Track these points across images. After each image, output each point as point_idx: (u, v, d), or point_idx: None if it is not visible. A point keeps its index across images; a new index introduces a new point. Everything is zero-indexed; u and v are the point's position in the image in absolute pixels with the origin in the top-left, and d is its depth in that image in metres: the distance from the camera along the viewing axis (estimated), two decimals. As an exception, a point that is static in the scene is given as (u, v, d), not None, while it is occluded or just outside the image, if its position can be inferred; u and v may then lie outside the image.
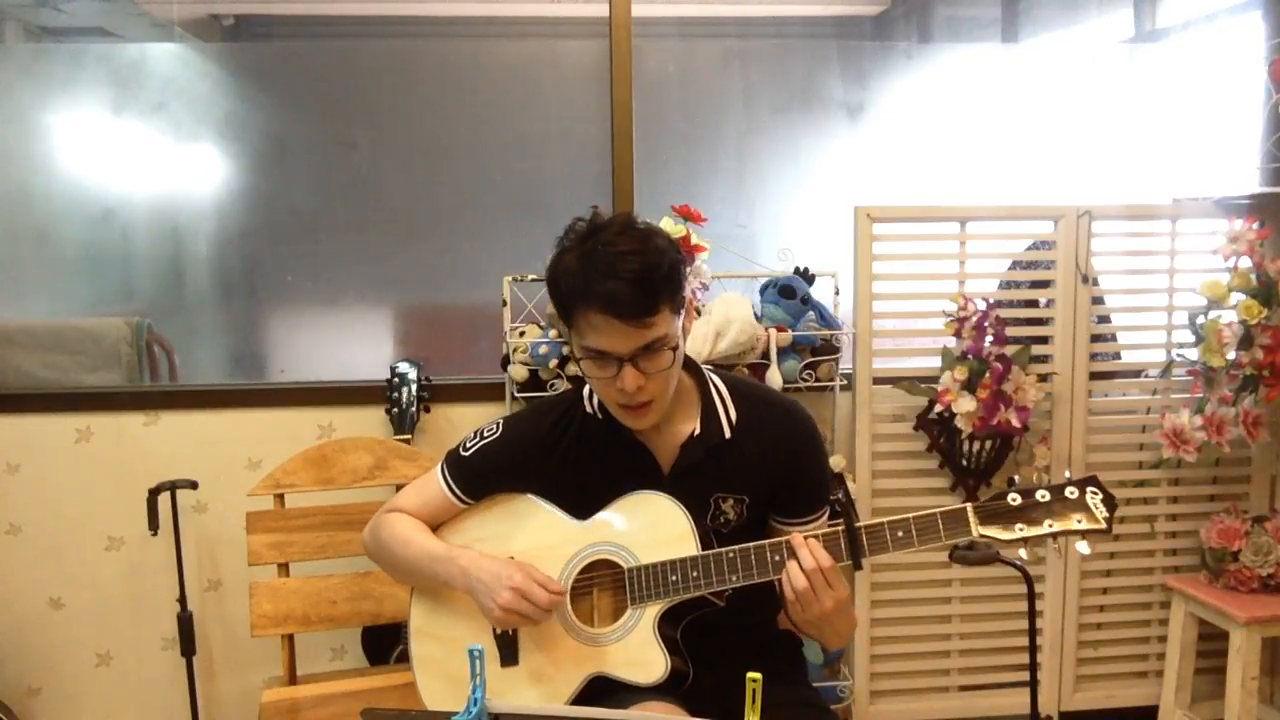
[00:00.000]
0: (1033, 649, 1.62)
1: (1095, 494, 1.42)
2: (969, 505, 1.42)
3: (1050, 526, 1.40)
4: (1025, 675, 2.63)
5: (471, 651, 1.13)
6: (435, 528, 1.63)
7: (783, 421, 1.58)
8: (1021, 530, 1.40)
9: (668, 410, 1.52)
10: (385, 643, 2.44)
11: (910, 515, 1.43)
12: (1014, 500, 1.42)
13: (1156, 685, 2.70)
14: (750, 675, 1.09)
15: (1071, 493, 1.42)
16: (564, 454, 1.58)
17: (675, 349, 1.45)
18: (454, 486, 1.61)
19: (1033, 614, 1.55)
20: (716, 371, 1.63)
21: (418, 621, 1.63)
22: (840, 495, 1.46)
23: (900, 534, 1.43)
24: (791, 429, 1.58)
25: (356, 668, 2.49)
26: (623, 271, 1.37)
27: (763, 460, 1.56)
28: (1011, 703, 2.69)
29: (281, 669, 2.09)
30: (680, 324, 1.47)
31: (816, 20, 3.18)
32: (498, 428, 1.61)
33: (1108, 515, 1.41)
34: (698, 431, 1.55)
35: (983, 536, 1.40)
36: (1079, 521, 1.40)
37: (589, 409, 1.58)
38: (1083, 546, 1.42)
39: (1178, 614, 2.61)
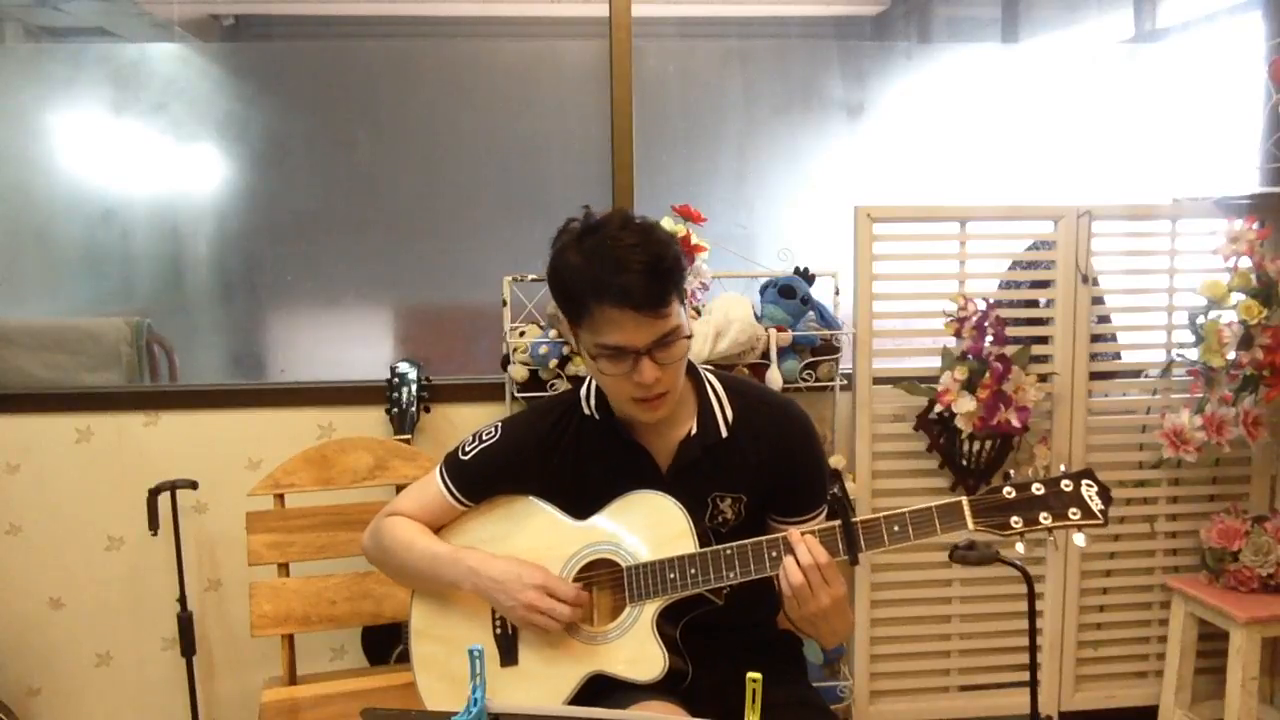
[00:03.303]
0: (1033, 649, 1.61)
1: (1090, 486, 1.42)
2: (964, 499, 1.42)
3: (1046, 519, 1.40)
4: (1025, 675, 2.62)
5: (471, 651, 1.13)
6: (436, 530, 1.63)
7: (779, 420, 1.58)
8: (1018, 524, 1.40)
9: None
10: (385, 643, 2.44)
11: (905, 510, 1.43)
12: (1009, 494, 1.42)
13: (1156, 685, 2.70)
14: (750, 675, 1.09)
15: (1067, 485, 1.42)
16: (562, 456, 1.58)
17: (689, 338, 1.46)
18: (454, 490, 1.62)
19: (1033, 614, 1.54)
20: (712, 371, 1.63)
21: (418, 623, 1.63)
22: (836, 491, 1.46)
23: (896, 528, 1.43)
24: (788, 427, 1.59)
25: (356, 668, 2.49)
26: (633, 264, 1.37)
27: (759, 458, 1.56)
28: (1011, 703, 2.69)
29: (281, 669, 2.09)
30: (685, 315, 1.48)
31: (816, 20, 3.18)
32: (496, 431, 1.61)
33: (1103, 508, 1.41)
34: (694, 431, 1.55)
35: (978, 529, 1.40)
36: (1074, 514, 1.40)
37: (587, 410, 1.58)
38: (1079, 539, 1.42)
39: (1178, 614, 2.61)
